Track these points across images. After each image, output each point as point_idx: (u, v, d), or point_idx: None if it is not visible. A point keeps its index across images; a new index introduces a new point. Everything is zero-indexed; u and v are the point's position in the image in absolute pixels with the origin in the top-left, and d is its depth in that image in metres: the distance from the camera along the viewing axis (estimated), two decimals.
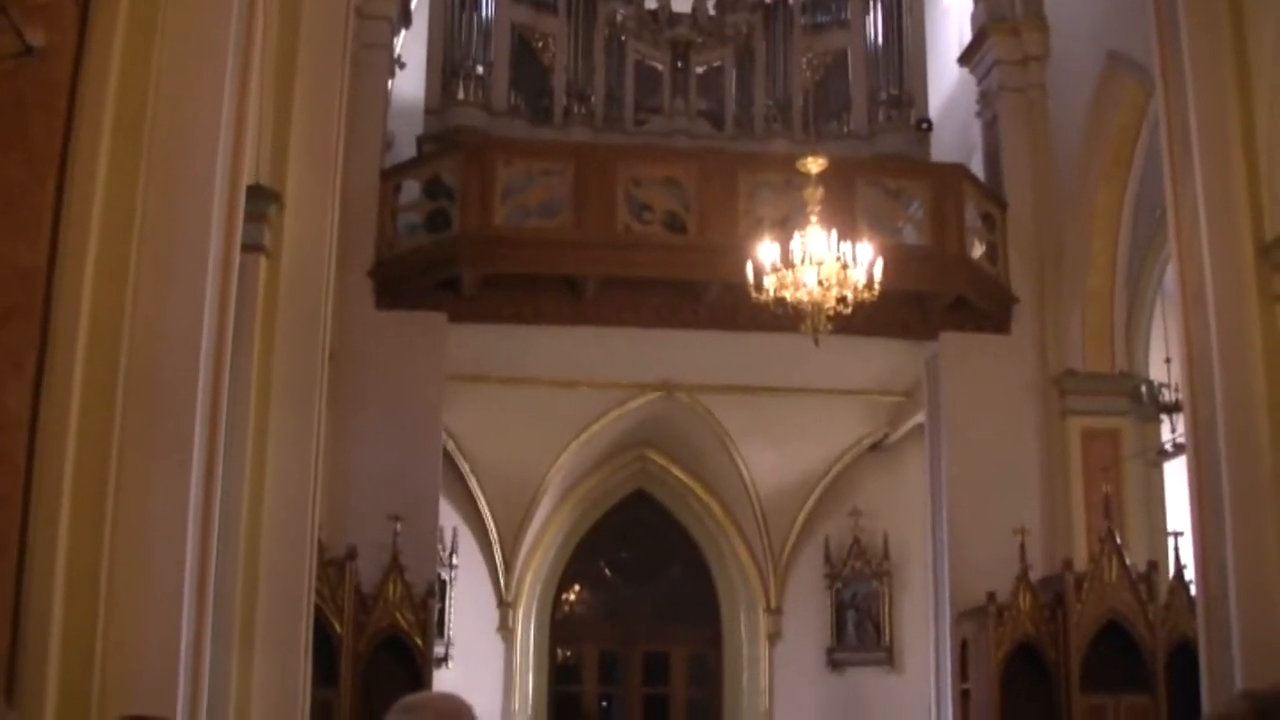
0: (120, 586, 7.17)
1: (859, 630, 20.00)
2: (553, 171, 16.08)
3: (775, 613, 20.09)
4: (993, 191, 17.09)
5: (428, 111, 18.12)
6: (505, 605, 19.70)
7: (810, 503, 19.92)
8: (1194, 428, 11.96)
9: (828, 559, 20.06)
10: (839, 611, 20.05)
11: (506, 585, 19.67)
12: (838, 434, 19.42)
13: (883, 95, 18.97)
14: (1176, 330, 12.49)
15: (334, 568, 14.04)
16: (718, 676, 20.71)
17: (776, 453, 19.26)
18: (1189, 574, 13.61)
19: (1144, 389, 16.33)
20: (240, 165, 8.04)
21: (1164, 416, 16.06)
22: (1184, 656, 13.45)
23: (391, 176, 16.41)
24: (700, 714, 20.70)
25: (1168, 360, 15.20)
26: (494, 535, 19.46)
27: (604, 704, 21.03)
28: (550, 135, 18.23)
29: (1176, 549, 14.79)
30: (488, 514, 19.32)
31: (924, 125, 18.88)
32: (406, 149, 17.92)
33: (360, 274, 15.59)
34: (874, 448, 19.83)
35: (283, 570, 11.05)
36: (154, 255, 7.43)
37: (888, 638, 19.83)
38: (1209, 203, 11.69)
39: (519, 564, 19.73)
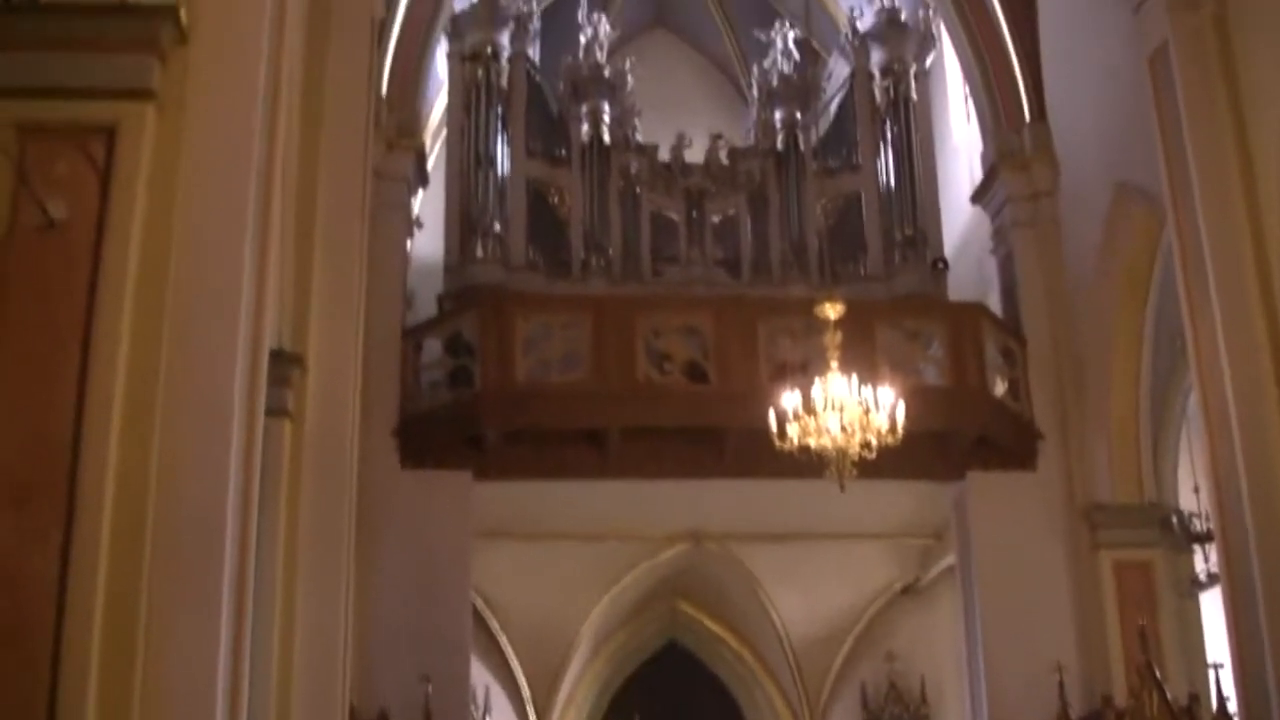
0: None
1: None
2: (572, 324, 16.17)
3: None
4: (1011, 327, 17.13)
5: (447, 269, 18.25)
6: None
7: (845, 648, 19.77)
8: (1226, 556, 11.91)
9: (865, 705, 19.84)
10: None
11: None
12: (869, 578, 19.32)
13: (897, 236, 19.07)
14: (1203, 458, 12.46)
15: None
16: None
17: (808, 599, 19.15)
18: (1232, 705, 13.44)
19: (1174, 519, 16.21)
20: (261, 330, 8.08)
21: (1196, 546, 15.93)
22: None
23: (413, 335, 16.53)
24: None
25: (1196, 489, 15.15)
26: (526, 693, 19.31)
27: None
28: (568, 288, 18.33)
29: (1218, 680, 14.58)
30: (519, 671, 19.19)
31: (940, 264, 18.95)
32: (427, 307, 18.03)
33: (385, 433, 15.63)
34: (905, 591, 19.71)
35: None
36: (178, 424, 7.44)
37: None
38: (1227, 328, 11.73)
39: None
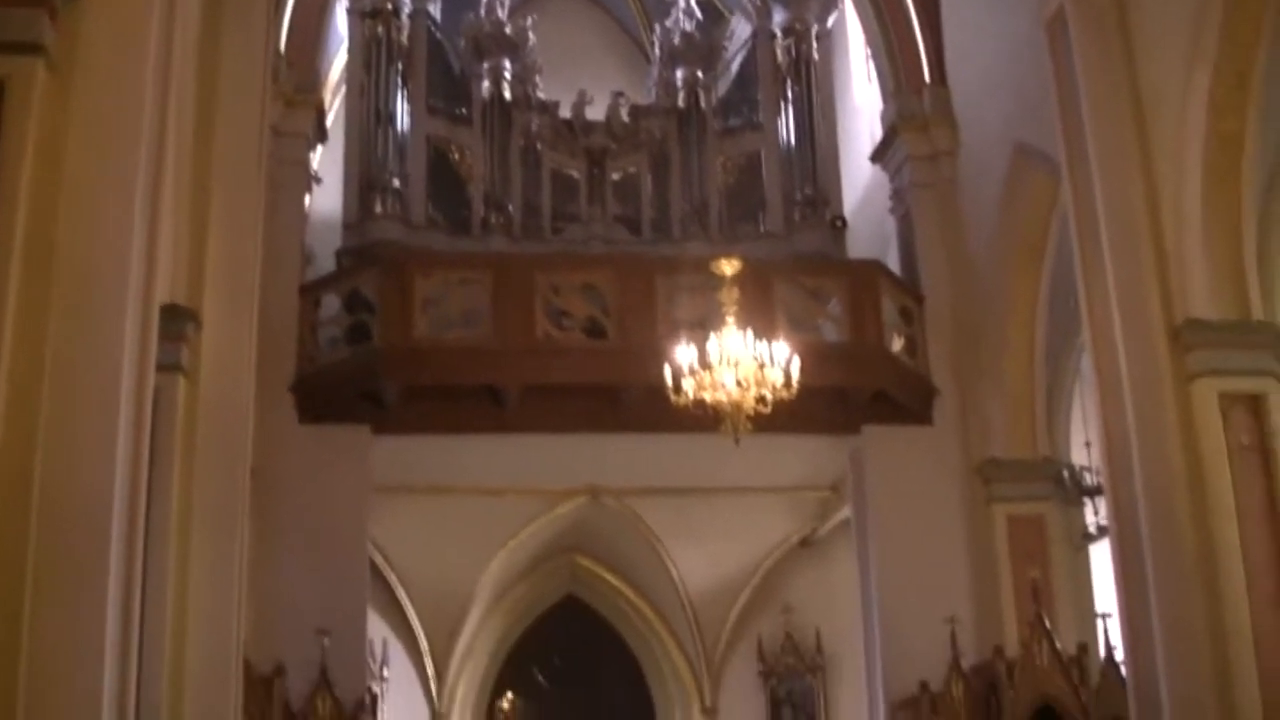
0: (37, 716, 7.06)
1: None
2: (471, 281, 16.14)
3: (711, 713, 19.98)
4: (909, 285, 17.28)
5: (346, 226, 18.14)
6: (439, 716, 19.49)
7: (741, 601, 19.89)
8: (1115, 510, 12.10)
9: (761, 656, 20.00)
10: (775, 708, 19.97)
11: (439, 696, 19.48)
12: (766, 531, 19.44)
13: (797, 195, 19.16)
14: (1095, 415, 12.65)
15: (262, 685, 13.82)
16: None
17: (705, 552, 19.25)
18: (1119, 655, 13.70)
19: (1066, 474, 16.46)
20: (153, 286, 8.02)
21: (1087, 500, 16.20)
22: None
23: (311, 291, 16.41)
24: None
25: (1088, 444, 15.38)
26: (425, 646, 19.31)
27: None
28: (468, 246, 18.30)
29: (1106, 631, 14.87)
30: (417, 624, 19.18)
31: (839, 223, 19.08)
32: (326, 264, 17.92)
33: (282, 389, 15.53)
34: (803, 543, 19.86)
35: (209, 690, 10.85)
36: (66, 380, 7.38)
37: None
38: (1119, 288, 11.90)
39: (451, 674, 19.55)
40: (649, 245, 18.97)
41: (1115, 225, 12.07)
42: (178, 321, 10.80)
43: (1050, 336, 16.46)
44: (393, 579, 18.72)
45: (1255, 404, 11.61)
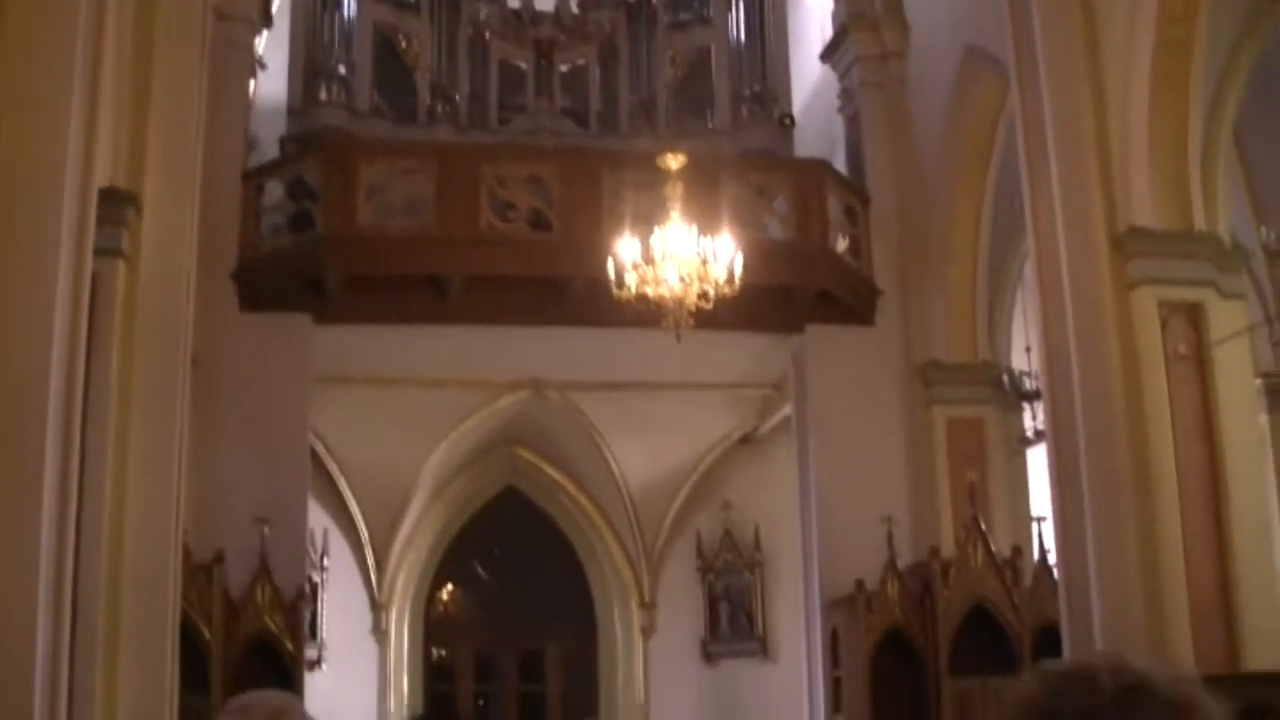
0: None
1: (732, 622, 20.14)
2: (416, 171, 16.02)
3: (649, 607, 20.17)
4: (856, 185, 17.26)
5: (290, 112, 17.98)
6: (379, 607, 19.61)
7: (681, 497, 20.01)
8: (1053, 415, 12.19)
9: (700, 552, 20.17)
10: (712, 604, 20.18)
11: (379, 586, 19.59)
12: (707, 428, 19.52)
13: (746, 92, 19.09)
14: (1035, 320, 12.72)
15: (201, 573, 13.85)
16: (593, 671, 20.76)
17: (647, 448, 19.33)
18: (1052, 558, 13.87)
19: (1006, 378, 16.56)
20: (92, 168, 7.93)
21: (1026, 404, 16.31)
22: (1049, 639, 13.61)
23: (254, 178, 16.24)
24: (576, 709, 20.72)
25: (1028, 349, 15.48)
26: (365, 536, 19.37)
27: (480, 702, 20.98)
28: (414, 135, 18.17)
29: (1040, 534, 15.04)
30: (358, 515, 19.22)
31: (787, 121, 19.04)
32: (270, 150, 17.75)
33: (223, 276, 15.40)
34: (743, 441, 19.95)
35: (147, 577, 10.89)
36: (2, 264, 7.31)
37: (761, 628, 19.99)
38: (1064, 195, 11.92)
39: (391, 565, 19.65)
40: (595, 139, 18.89)
41: (1062, 131, 12.06)
42: (118, 205, 10.70)
43: (994, 241, 16.51)
44: (334, 469, 18.72)
45: (1194, 313, 11.70)
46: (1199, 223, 11.90)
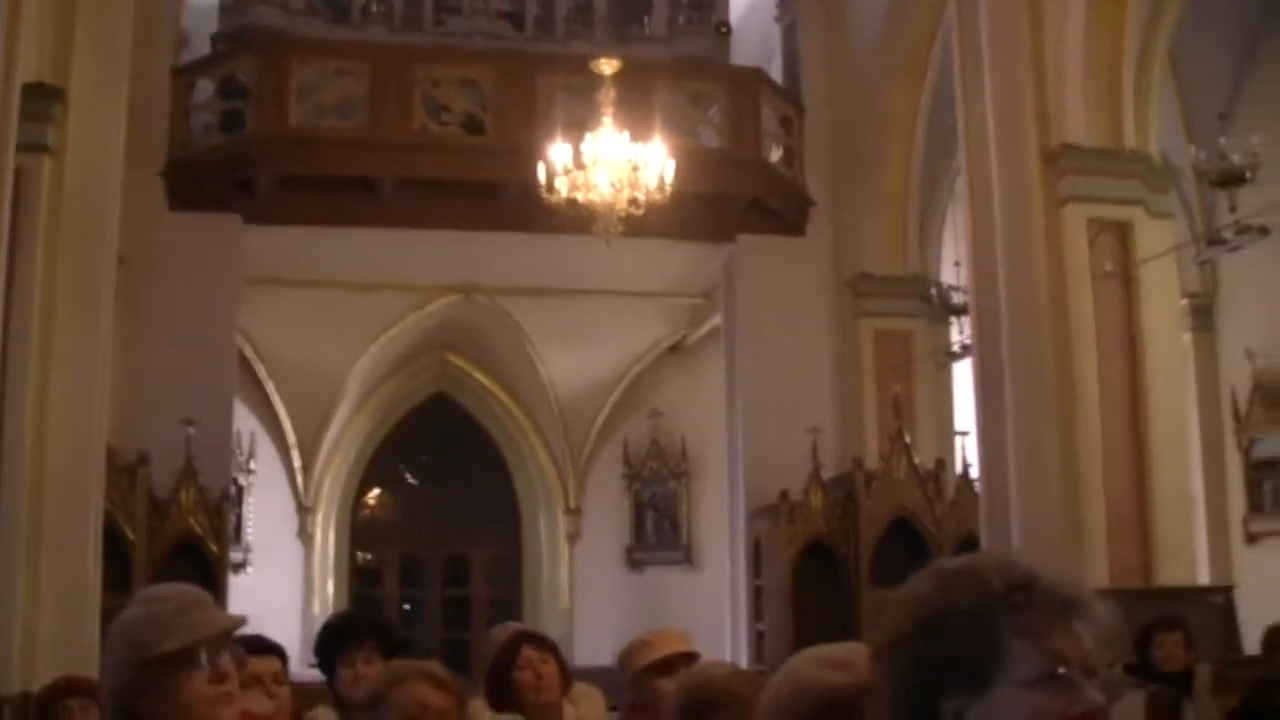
0: None
1: (658, 530, 20.26)
2: (349, 72, 15.85)
3: (575, 513, 20.25)
4: (791, 95, 17.23)
5: (222, 9, 17.64)
6: (304, 510, 19.60)
7: (609, 404, 20.05)
8: (979, 329, 12.30)
9: (627, 460, 20.24)
10: (638, 511, 20.28)
11: (305, 490, 19.57)
12: (637, 336, 19.53)
13: None
14: (965, 234, 12.78)
15: (126, 474, 13.77)
16: (518, 577, 20.84)
17: (576, 355, 19.32)
18: (974, 472, 14.02)
19: (934, 291, 16.64)
20: (15, 62, 7.81)
21: (954, 319, 16.40)
22: (969, 550, 13.78)
23: (185, 75, 16.01)
24: (501, 614, 20.67)
25: (957, 263, 15.54)
26: (292, 439, 19.32)
27: (406, 606, 21.04)
28: (348, 35, 17.91)
29: (963, 448, 15.19)
30: (285, 418, 19.16)
31: (723, 29, 18.90)
32: (201, 47, 17.46)
33: (152, 174, 15.20)
34: (673, 349, 19.99)
35: (71, 476, 10.85)
36: None
37: (686, 537, 20.14)
38: (997, 110, 11.96)
39: (318, 468, 19.62)
40: (531, 42, 18.68)
41: (997, 45, 12.08)
42: (43, 100, 10.56)
43: (928, 155, 16.54)
44: (261, 372, 18.63)
45: (1122, 231, 11.81)
46: (1130, 141, 11.98)
